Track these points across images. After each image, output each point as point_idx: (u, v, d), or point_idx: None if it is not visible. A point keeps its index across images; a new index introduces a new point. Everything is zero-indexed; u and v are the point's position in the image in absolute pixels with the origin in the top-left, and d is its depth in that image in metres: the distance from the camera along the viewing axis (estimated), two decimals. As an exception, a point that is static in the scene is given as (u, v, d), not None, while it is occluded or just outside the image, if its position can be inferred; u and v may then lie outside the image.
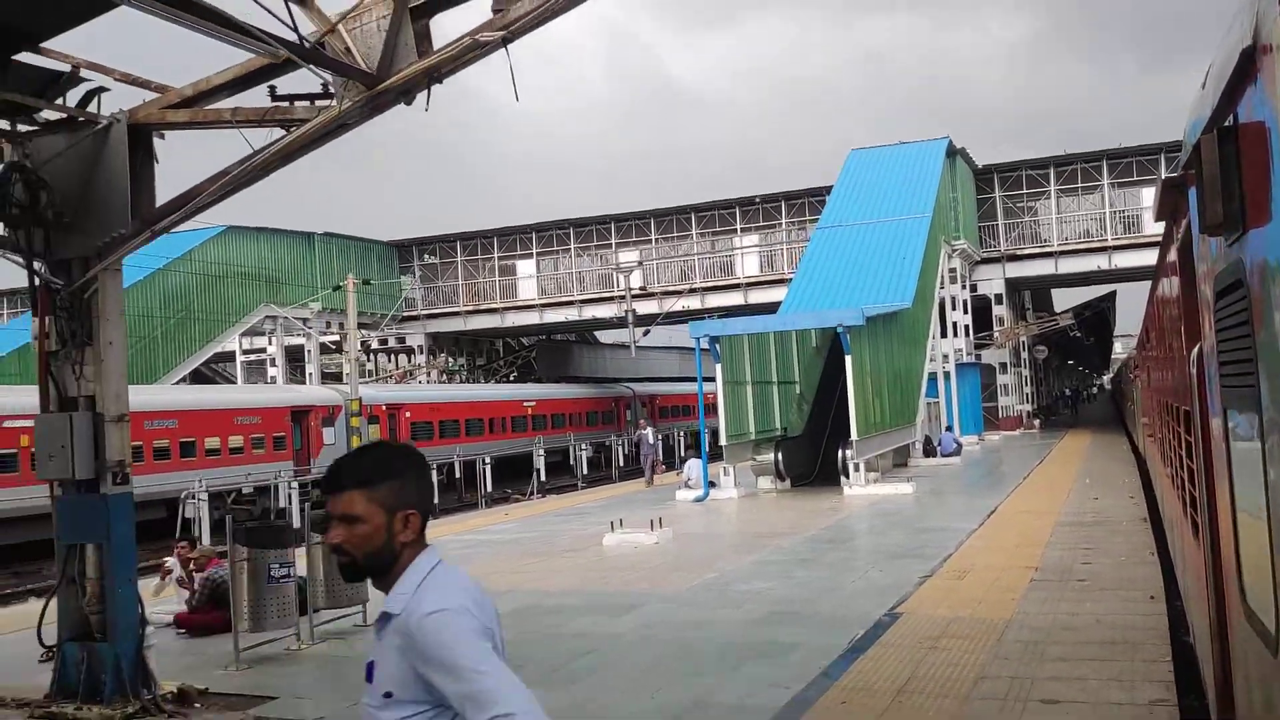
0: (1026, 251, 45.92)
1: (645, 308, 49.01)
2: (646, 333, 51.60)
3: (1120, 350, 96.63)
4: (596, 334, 65.72)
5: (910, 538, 15.15)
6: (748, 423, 25.74)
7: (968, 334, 43.83)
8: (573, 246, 52.83)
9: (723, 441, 24.35)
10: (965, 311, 43.72)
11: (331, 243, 50.85)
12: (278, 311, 44.73)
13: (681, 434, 49.89)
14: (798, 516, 18.90)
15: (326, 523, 2.45)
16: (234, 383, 51.21)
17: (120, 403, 8.20)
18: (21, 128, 8.38)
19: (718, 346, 24.14)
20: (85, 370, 8.11)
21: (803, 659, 8.24)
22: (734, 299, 48.54)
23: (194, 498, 26.29)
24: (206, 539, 24.48)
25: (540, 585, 12.55)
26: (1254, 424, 2.56)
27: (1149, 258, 34.55)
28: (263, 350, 54.15)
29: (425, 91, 7.62)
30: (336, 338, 51.47)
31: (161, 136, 8.60)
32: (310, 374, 46.41)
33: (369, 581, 2.45)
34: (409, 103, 7.73)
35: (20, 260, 8.27)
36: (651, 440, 32.05)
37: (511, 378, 61.06)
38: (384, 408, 38.74)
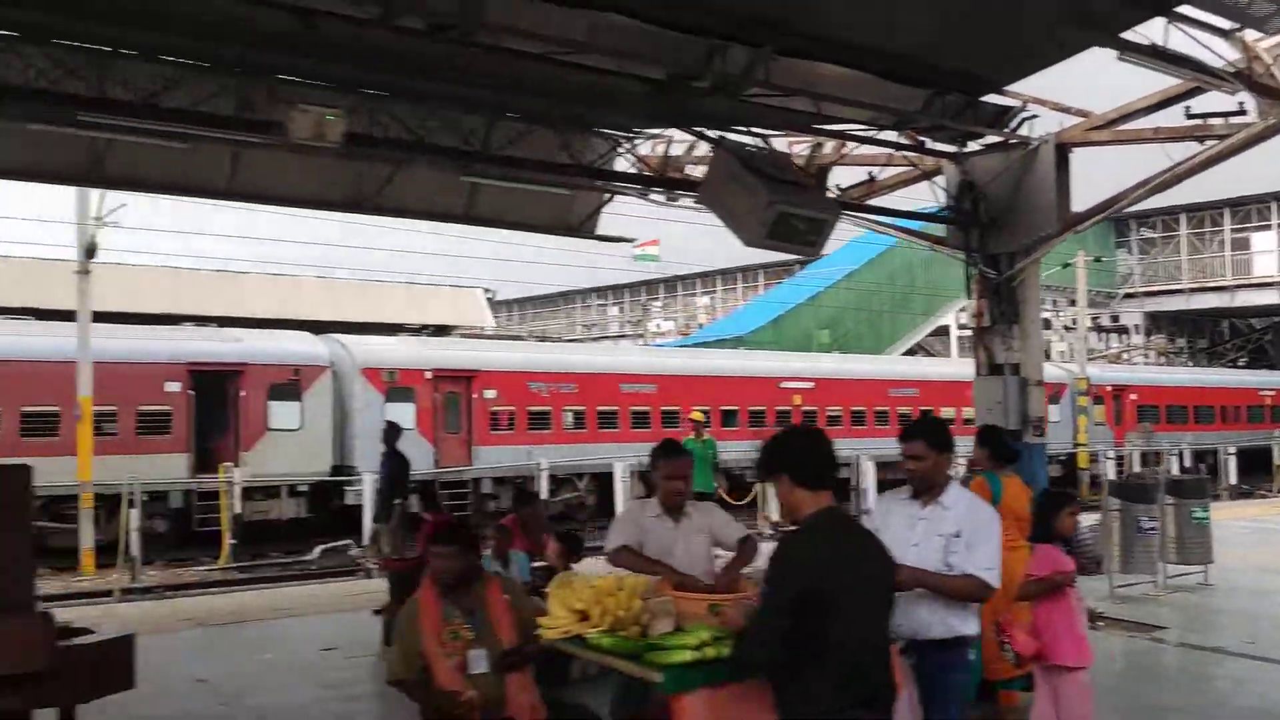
0: None
1: None
2: None
3: None
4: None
5: None
6: None
7: None
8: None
9: None
10: None
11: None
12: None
13: None
14: None
15: None
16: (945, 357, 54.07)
17: (1038, 370, 10.23)
18: (963, 150, 10.75)
19: None
20: (1013, 343, 10.25)
21: None
22: None
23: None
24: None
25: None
26: None
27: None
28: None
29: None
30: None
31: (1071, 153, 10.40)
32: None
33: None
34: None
35: (960, 256, 10.69)
36: None
37: (1240, 363, 55.67)
38: (1109, 389, 38.35)
